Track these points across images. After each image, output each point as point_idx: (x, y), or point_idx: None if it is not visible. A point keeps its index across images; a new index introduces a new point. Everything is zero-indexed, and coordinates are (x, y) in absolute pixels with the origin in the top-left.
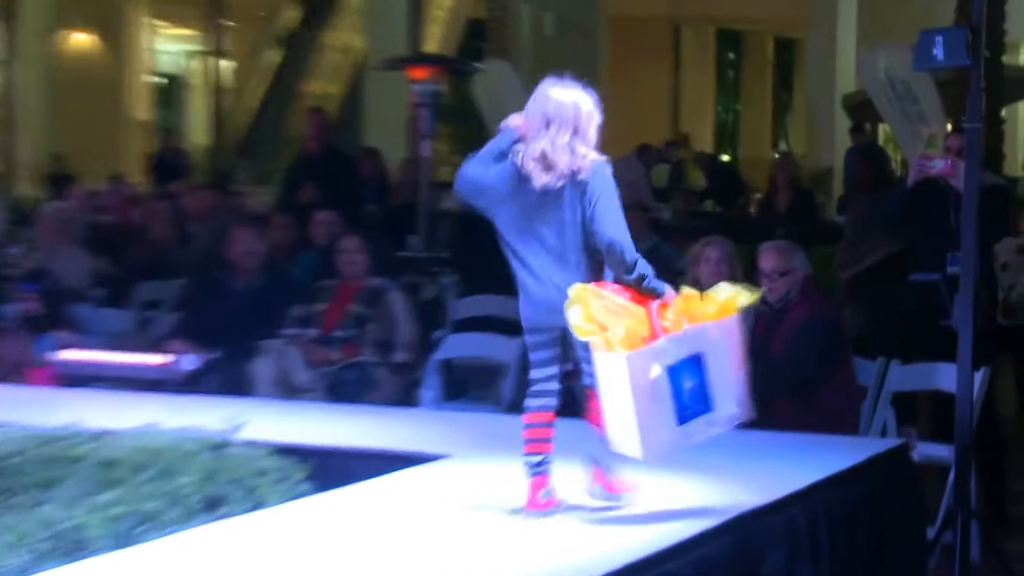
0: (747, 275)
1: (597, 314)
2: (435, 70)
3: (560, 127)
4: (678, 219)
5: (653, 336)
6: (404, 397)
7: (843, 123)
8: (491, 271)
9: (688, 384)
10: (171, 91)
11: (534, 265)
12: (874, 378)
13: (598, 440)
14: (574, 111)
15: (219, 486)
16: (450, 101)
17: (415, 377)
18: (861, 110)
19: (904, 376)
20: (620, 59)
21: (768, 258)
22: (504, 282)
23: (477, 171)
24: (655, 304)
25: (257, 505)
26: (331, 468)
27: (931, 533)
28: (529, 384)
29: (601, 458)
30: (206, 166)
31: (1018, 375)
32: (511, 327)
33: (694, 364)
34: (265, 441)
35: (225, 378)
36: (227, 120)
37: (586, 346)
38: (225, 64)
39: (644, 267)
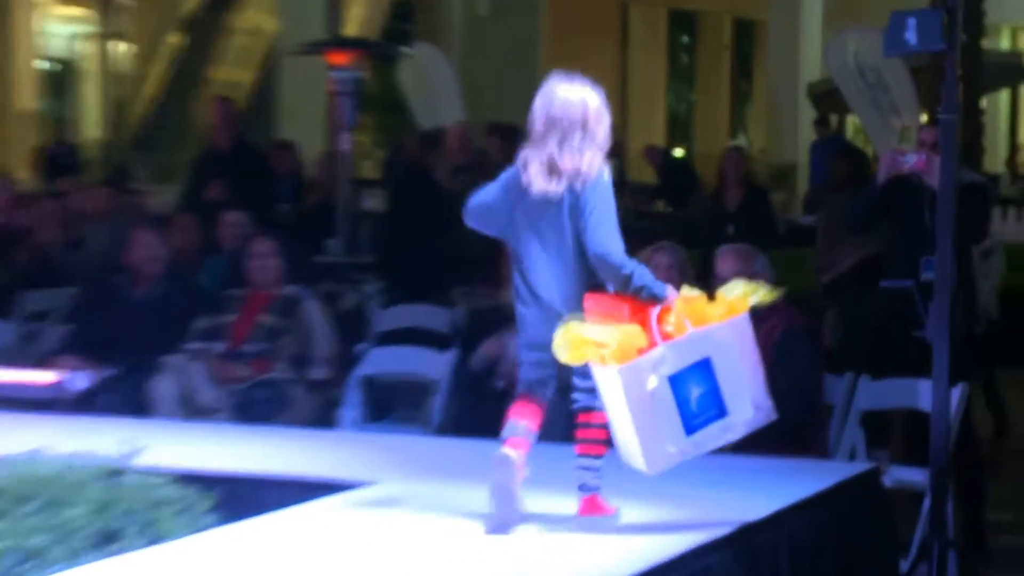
0: (699, 281)
1: (589, 335)
2: (356, 55)
3: (568, 129)
4: (626, 220)
5: (652, 345)
6: (322, 418)
7: (808, 114)
8: (419, 277)
9: (696, 392)
10: (62, 78)
11: (533, 275)
12: (842, 395)
13: (584, 469)
14: (582, 111)
15: (113, 518)
16: (373, 89)
17: (334, 395)
18: (828, 100)
19: (875, 393)
20: (561, 42)
21: (728, 262)
22: (433, 290)
23: (479, 196)
24: (656, 310)
25: (156, 539)
26: (240, 497)
27: (904, 566)
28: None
29: (587, 482)
30: (101, 161)
31: (986, 391)
32: (440, 340)
33: (702, 370)
34: (166, 468)
35: (121, 397)
36: (124, 110)
37: (579, 369)
38: (122, 48)
39: (641, 277)
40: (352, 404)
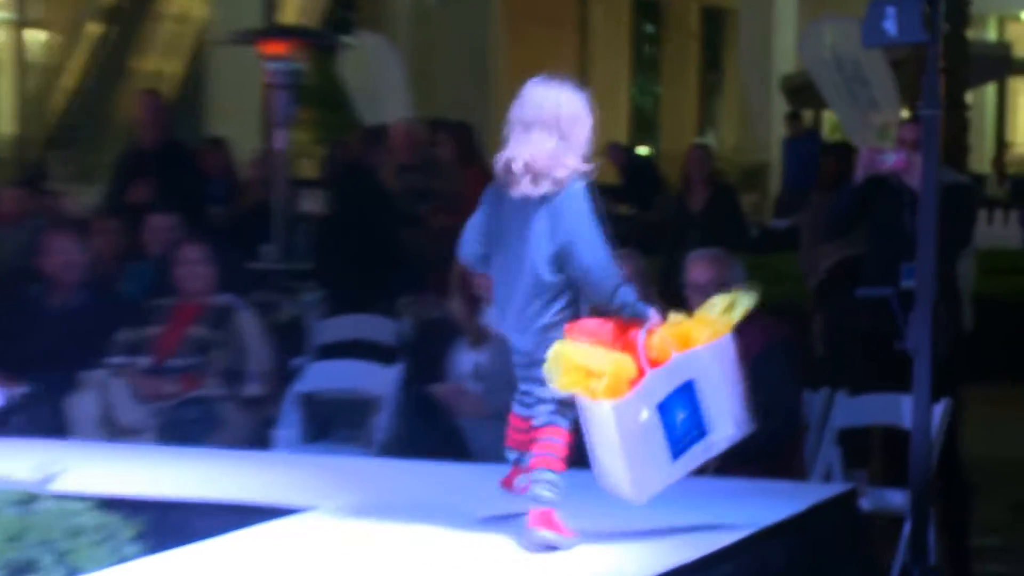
0: (660, 292)
1: (580, 360)
2: (294, 44)
3: (543, 132)
4: None
5: (640, 374)
6: (256, 438)
7: (782, 109)
8: (361, 286)
9: (681, 416)
10: None
11: (497, 282)
12: (817, 411)
13: (540, 481)
14: (554, 112)
15: (27, 548)
16: (312, 82)
17: (270, 414)
18: (803, 94)
19: (852, 409)
20: (516, 31)
21: (701, 269)
22: (377, 299)
23: (468, 226)
24: (642, 334)
25: (74, 570)
26: (168, 524)
27: None
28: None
29: (542, 501)
30: (13, 159)
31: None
32: (385, 353)
33: (686, 392)
34: (86, 493)
35: (37, 417)
36: (40, 104)
37: (546, 384)
38: (39, 37)
39: (627, 293)
40: (289, 423)
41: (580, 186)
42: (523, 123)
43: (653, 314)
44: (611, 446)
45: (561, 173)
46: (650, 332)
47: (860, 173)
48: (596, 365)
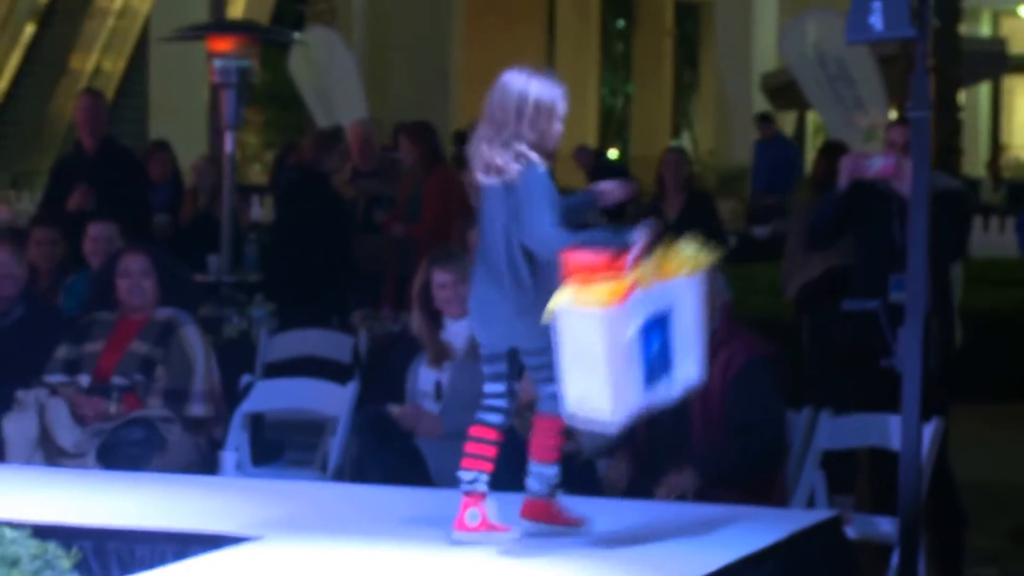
0: None
1: (576, 265)
2: (242, 41)
3: (501, 121)
4: None
5: (629, 292)
6: (202, 461)
7: (762, 109)
8: (313, 299)
9: (655, 344)
10: None
11: (475, 270)
12: (800, 432)
13: (538, 472)
14: (517, 102)
15: None
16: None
17: (216, 436)
18: (784, 94)
19: (837, 430)
20: (479, 27)
21: None
22: (330, 313)
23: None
24: (633, 254)
25: None
26: (108, 553)
27: None
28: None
29: (542, 491)
30: None
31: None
32: (339, 371)
33: (662, 324)
34: (20, 520)
35: None
36: None
37: (540, 368)
38: None
39: (595, 236)
40: (236, 445)
41: (540, 169)
42: (486, 114)
43: (638, 233)
44: (596, 359)
45: (513, 164)
46: (638, 258)
47: (844, 179)
48: (589, 281)
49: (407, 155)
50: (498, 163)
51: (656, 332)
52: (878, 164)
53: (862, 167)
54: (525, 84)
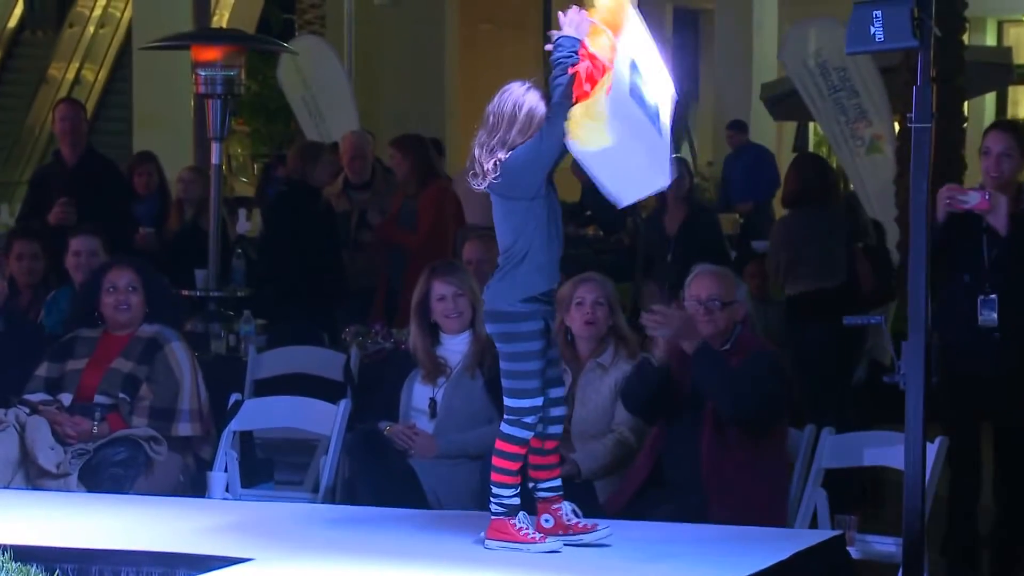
0: (632, 320)
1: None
2: (229, 50)
3: (493, 127)
4: None
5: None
6: (189, 482)
7: (763, 121)
8: (303, 315)
9: (643, 92)
10: None
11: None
12: (802, 450)
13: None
14: (512, 111)
15: None
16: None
17: (204, 455)
18: (785, 104)
19: (839, 448)
20: (474, 35)
21: (705, 284)
22: (320, 329)
23: None
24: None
25: None
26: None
27: None
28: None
29: (499, 512)
30: None
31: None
32: (330, 388)
33: (636, 72)
34: (2, 542)
35: None
36: None
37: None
38: None
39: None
40: (225, 465)
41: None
42: (483, 118)
43: (580, 56)
44: (633, 127)
45: (491, 170)
46: (591, 33)
47: (941, 212)
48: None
49: (398, 168)
50: (484, 167)
51: (638, 83)
52: (974, 199)
53: (957, 201)
54: (522, 94)
